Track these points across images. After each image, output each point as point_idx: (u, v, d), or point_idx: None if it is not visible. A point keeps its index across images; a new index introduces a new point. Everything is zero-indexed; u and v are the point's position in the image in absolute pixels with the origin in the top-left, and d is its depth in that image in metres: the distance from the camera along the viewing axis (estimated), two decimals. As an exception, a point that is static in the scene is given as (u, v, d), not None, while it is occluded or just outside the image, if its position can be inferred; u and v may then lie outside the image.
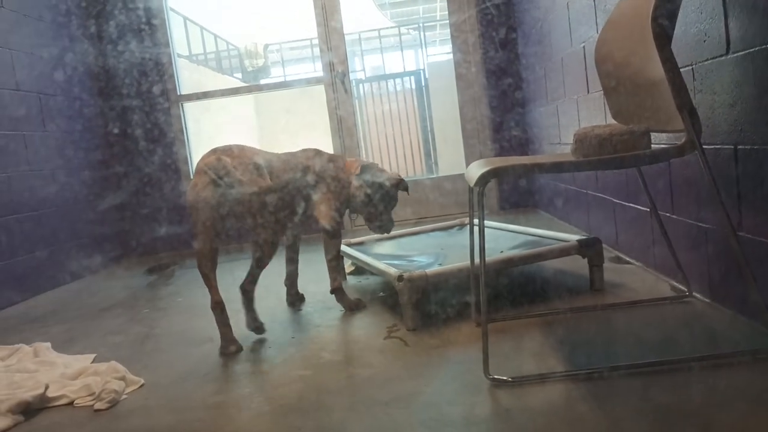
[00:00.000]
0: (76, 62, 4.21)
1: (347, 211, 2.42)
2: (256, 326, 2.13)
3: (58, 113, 3.89)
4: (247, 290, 2.14)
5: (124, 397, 1.75)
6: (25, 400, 1.71)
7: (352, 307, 2.34)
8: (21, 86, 3.55)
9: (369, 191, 2.33)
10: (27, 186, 3.49)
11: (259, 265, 2.11)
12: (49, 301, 3.29)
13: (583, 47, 2.79)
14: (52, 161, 3.77)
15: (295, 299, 2.53)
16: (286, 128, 8.27)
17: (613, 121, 1.95)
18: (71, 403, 1.74)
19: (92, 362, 2.05)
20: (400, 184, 2.40)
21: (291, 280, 2.52)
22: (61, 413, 1.71)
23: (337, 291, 2.36)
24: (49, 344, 2.24)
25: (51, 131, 3.79)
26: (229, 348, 2.01)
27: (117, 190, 4.51)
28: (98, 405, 1.69)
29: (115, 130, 4.52)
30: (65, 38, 4.13)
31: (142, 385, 1.83)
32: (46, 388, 1.77)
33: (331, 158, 2.37)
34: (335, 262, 2.35)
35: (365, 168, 2.36)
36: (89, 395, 1.75)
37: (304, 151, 2.34)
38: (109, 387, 1.74)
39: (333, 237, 2.29)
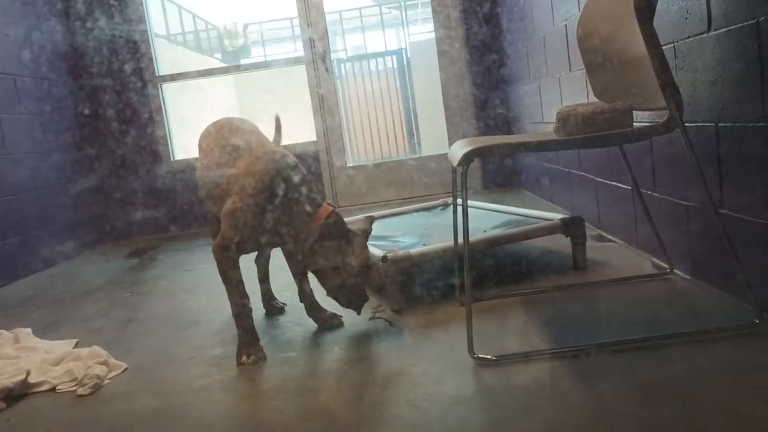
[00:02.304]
0: (44, 41, 4.09)
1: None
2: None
3: (26, 94, 3.78)
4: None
5: (106, 382, 1.74)
6: (6, 386, 1.69)
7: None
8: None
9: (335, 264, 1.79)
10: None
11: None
12: (26, 287, 3.25)
13: (565, 25, 2.78)
14: (22, 144, 3.66)
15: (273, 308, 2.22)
16: (267, 108, 8.19)
17: (596, 100, 1.95)
18: (53, 389, 1.73)
19: (74, 347, 2.03)
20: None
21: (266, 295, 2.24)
22: (43, 399, 1.69)
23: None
24: (29, 330, 2.22)
25: (19, 113, 3.68)
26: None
27: (90, 173, 4.42)
28: (81, 390, 1.68)
29: (86, 111, 4.41)
30: (32, 16, 4.00)
31: (125, 370, 1.82)
32: (28, 374, 1.75)
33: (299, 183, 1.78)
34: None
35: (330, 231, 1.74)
36: (71, 381, 1.74)
37: (271, 154, 1.79)
38: (91, 372, 1.73)
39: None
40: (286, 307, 2.21)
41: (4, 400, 1.67)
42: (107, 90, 4.47)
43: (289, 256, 2.01)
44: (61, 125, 4.16)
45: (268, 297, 2.22)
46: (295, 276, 2.04)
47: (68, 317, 2.49)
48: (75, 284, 3.15)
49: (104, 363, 1.80)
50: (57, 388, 1.73)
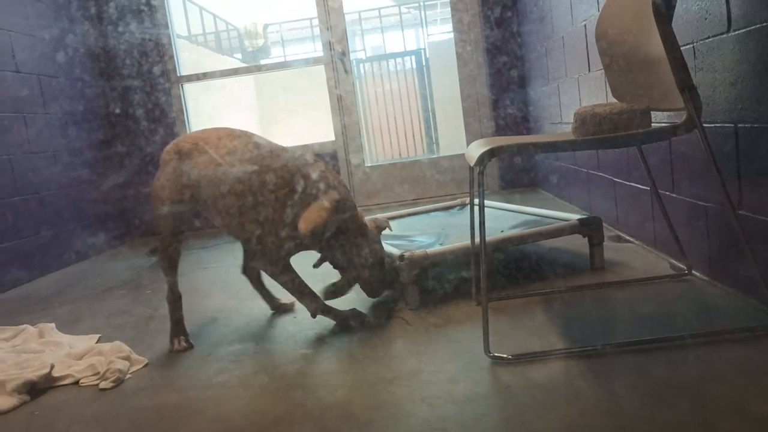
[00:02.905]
0: (77, 43, 4.20)
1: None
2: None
3: (61, 94, 3.91)
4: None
5: (128, 376, 1.77)
6: (30, 379, 1.73)
7: (353, 323, 1.97)
8: (21, 68, 3.56)
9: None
10: (30, 167, 3.51)
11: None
12: (54, 281, 3.31)
13: (584, 25, 2.78)
14: (55, 142, 3.80)
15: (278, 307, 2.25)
16: (286, 107, 8.24)
17: (614, 100, 1.95)
18: (77, 383, 1.77)
19: (97, 342, 2.08)
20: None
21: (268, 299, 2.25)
22: (66, 393, 1.73)
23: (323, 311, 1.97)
24: (53, 325, 2.27)
25: (53, 112, 3.80)
26: None
27: (119, 170, 4.53)
28: (103, 384, 1.72)
29: (117, 111, 4.53)
30: (65, 19, 4.12)
31: (146, 365, 1.85)
32: (52, 367, 1.79)
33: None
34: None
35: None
36: (94, 375, 1.77)
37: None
38: (113, 366, 1.77)
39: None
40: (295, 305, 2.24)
41: (28, 393, 1.71)
42: (135, 90, 4.58)
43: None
44: (93, 124, 4.31)
45: (270, 298, 2.23)
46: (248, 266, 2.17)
47: (92, 312, 2.54)
48: (98, 281, 3.20)
49: (126, 358, 1.84)
50: (80, 381, 1.77)
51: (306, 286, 1.92)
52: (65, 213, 3.80)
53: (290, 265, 1.91)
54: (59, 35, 4.01)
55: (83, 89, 4.21)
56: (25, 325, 2.27)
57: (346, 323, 1.95)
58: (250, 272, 2.20)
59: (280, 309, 2.21)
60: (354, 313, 1.98)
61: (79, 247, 3.87)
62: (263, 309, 2.23)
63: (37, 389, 1.74)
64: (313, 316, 1.95)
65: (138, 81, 4.56)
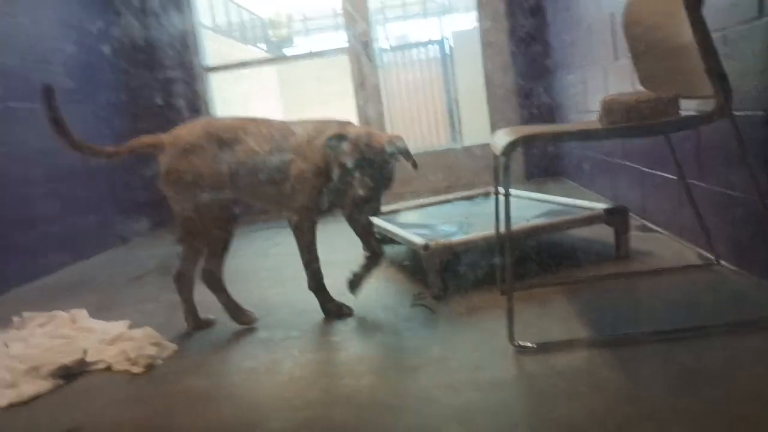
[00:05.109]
0: (102, 34, 4.29)
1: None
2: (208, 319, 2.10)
3: (107, 85, 4.19)
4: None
5: (159, 362, 1.81)
6: (64, 364, 1.78)
7: (334, 312, 2.01)
8: (68, 60, 3.76)
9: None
10: (74, 154, 3.60)
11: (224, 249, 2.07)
12: (83, 270, 3.38)
13: (611, 13, 2.74)
14: (103, 131, 4.01)
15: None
16: (310, 97, 8.27)
17: (641, 88, 1.93)
18: (109, 368, 1.81)
19: (128, 329, 2.12)
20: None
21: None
22: (99, 377, 1.77)
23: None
24: (85, 311, 2.31)
25: (99, 103, 4.06)
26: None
27: (150, 159, 4.63)
28: (135, 369, 1.76)
29: (159, 101, 4.62)
30: (110, 12, 4.37)
31: (176, 351, 1.89)
32: (85, 353, 1.84)
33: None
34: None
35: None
36: (126, 360, 1.81)
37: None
38: (144, 352, 1.81)
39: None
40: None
41: (62, 378, 1.76)
42: (162, 81, 4.64)
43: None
44: (124, 114, 4.46)
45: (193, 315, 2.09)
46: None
47: (120, 300, 2.59)
48: (129, 268, 3.26)
49: (157, 344, 1.88)
50: (112, 366, 1.81)
51: (317, 260, 1.98)
52: (108, 198, 4.02)
53: (315, 231, 1.97)
54: (104, 27, 4.21)
55: (128, 81, 4.47)
56: (56, 312, 2.32)
57: (328, 311, 2.01)
58: (186, 281, 2.07)
59: (200, 325, 2.08)
60: (339, 305, 2.02)
61: (122, 231, 4.08)
62: (287, 297, 2.25)
63: (71, 373, 1.78)
64: (309, 288, 2.01)
65: (164, 72, 4.61)
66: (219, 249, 2.03)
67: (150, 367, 1.77)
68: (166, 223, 4.64)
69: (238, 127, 1.99)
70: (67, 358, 1.81)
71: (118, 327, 2.12)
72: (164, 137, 1.99)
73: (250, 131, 1.98)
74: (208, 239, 1.99)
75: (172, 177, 1.95)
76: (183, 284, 2.04)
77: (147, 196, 4.55)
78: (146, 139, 2.01)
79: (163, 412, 1.50)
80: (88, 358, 1.84)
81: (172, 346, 1.90)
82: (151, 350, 1.82)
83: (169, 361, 1.83)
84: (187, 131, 2.00)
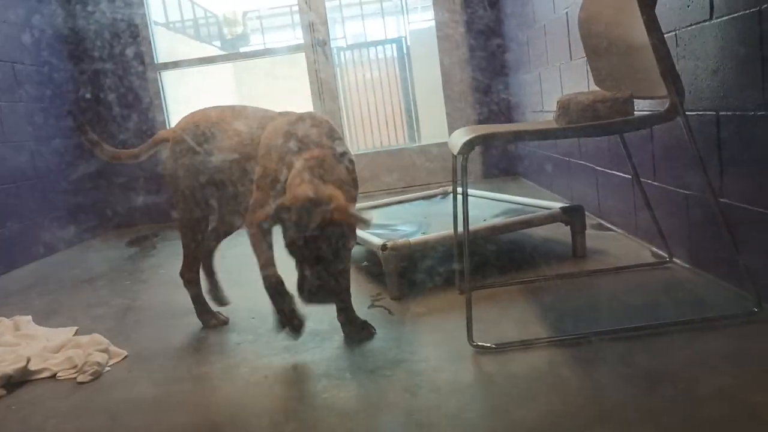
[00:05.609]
0: (45, 25, 4.06)
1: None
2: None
3: (27, 79, 3.76)
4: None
5: (107, 369, 1.74)
6: (6, 373, 1.69)
7: (281, 323, 1.66)
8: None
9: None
10: (21, 156, 3.42)
11: (218, 238, 2.10)
12: (27, 274, 3.25)
13: (566, 12, 2.77)
14: (22, 130, 3.64)
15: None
16: (267, 95, 8.16)
17: (596, 89, 1.95)
18: (54, 376, 1.73)
19: (74, 335, 2.04)
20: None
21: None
22: (43, 386, 1.69)
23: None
24: (30, 317, 2.22)
25: (19, 99, 3.65)
26: (210, 322, 2.00)
27: (91, 159, 4.38)
28: (81, 377, 1.68)
29: (87, 96, 4.38)
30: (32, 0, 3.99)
31: (125, 357, 1.82)
32: (28, 361, 1.76)
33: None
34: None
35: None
36: (72, 368, 1.74)
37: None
38: (91, 359, 1.74)
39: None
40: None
41: (4, 387, 1.67)
42: (108, 75, 4.42)
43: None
44: (62, 110, 4.13)
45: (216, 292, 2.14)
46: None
47: (69, 304, 2.49)
48: (75, 272, 3.15)
49: (105, 350, 1.81)
50: (57, 375, 1.73)
51: (271, 264, 1.65)
52: (35, 204, 3.65)
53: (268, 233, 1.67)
54: (25, 15, 3.84)
55: (51, 73, 4.04)
56: None
57: (277, 320, 1.65)
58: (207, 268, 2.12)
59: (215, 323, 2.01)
60: (291, 317, 1.63)
61: (50, 240, 3.72)
62: (247, 302, 2.20)
63: (13, 383, 1.70)
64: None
65: (110, 65, 4.42)
66: (219, 237, 2.10)
67: (98, 375, 1.70)
68: (119, 225, 4.52)
69: (225, 118, 1.93)
70: (9, 367, 1.72)
71: (64, 333, 2.04)
72: (168, 130, 2.05)
73: (231, 123, 1.90)
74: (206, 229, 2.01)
75: (167, 170, 1.98)
76: (206, 265, 2.11)
77: (97, 197, 4.43)
78: (158, 134, 2.08)
79: (111, 423, 1.44)
80: (32, 366, 1.76)
81: (122, 353, 1.83)
82: (99, 357, 1.75)
83: (118, 368, 1.76)
84: (184, 123, 1.99)
